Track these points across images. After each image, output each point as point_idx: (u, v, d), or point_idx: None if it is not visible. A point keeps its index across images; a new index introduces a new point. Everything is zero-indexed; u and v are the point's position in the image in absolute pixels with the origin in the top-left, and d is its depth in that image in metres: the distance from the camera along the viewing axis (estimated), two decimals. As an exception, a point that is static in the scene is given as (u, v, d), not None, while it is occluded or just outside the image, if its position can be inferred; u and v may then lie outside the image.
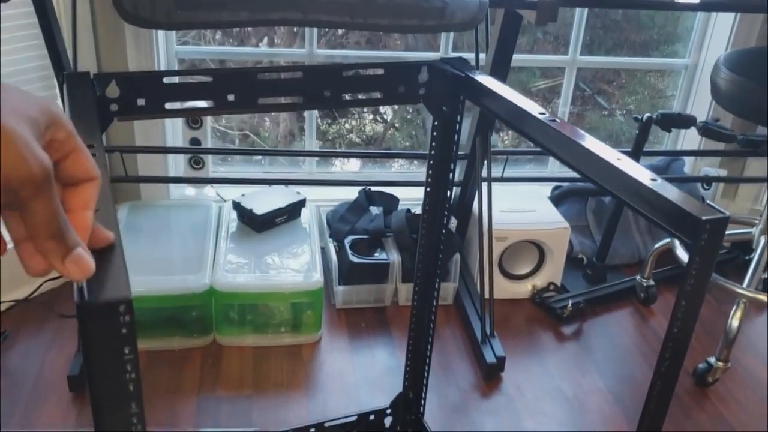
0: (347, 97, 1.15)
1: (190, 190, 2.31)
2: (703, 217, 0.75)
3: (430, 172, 1.33)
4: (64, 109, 0.85)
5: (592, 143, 0.89)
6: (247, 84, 1.09)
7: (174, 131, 2.15)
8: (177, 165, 2.22)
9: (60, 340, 1.84)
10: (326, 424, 1.56)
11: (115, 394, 0.66)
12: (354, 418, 1.58)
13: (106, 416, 0.68)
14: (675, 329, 0.84)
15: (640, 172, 0.83)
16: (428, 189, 1.35)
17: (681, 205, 0.77)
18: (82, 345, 0.61)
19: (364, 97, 1.19)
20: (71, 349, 1.77)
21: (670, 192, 0.79)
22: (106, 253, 0.62)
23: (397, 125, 3.08)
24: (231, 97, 1.10)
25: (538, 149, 0.99)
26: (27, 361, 1.76)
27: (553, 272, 2.15)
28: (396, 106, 3.01)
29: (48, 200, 0.46)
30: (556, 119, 0.95)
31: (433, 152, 1.31)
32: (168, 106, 1.12)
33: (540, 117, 0.96)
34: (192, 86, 1.09)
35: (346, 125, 3.01)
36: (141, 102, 1.11)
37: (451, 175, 1.33)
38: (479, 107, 1.11)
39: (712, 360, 1.83)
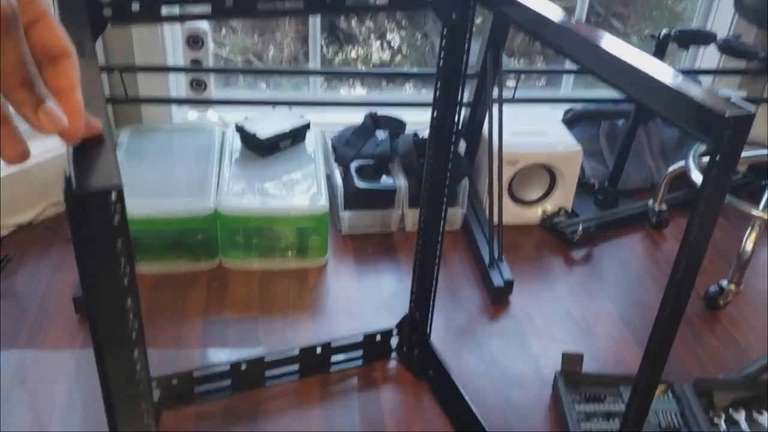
0: (351, 2, 1.10)
1: (192, 114, 2.26)
2: (727, 114, 0.70)
3: (437, 90, 1.28)
4: (54, 12, 0.80)
5: (611, 44, 0.84)
6: (246, -14, 1.04)
7: (175, 52, 2.09)
8: (179, 88, 2.16)
9: (65, 263, 1.82)
10: (333, 344, 1.55)
11: (109, 290, 0.63)
12: (360, 338, 1.58)
13: (102, 313, 0.65)
14: (691, 236, 0.80)
15: (662, 70, 0.78)
16: (435, 109, 1.30)
17: (704, 102, 0.73)
18: (72, 239, 0.58)
19: (368, 2, 1.13)
20: (76, 272, 1.75)
21: (693, 90, 0.75)
22: (93, 143, 0.58)
23: (404, 52, 3.00)
24: (229, 2, 1.05)
25: (551, 68, 0.94)
26: (32, 285, 1.75)
27: (563, 197, 2.10)
28: (403, 32, 2.92)
29: (16, 43, 0.44)
30: (573, 20, 0.90)
31: (441, 67, 1.26)
32: (164, 11, 1.07)
33: (555, 18, 0.91)
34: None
35: (352, 53, 2.94)
36: (135, 6, 1.06)
37: (459, 93, 1.28)
38: (492, 12, 1.05)
39: (724, 283, 1.81)
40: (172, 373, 1.44)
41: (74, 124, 0.51)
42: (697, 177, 1.88)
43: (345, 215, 2.00)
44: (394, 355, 1.62)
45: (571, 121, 2.30)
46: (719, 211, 0.79)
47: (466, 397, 1.44)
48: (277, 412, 1.48)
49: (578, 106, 2.30)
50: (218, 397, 1.49)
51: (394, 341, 1.61)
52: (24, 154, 0.49)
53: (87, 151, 0.57)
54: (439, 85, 1.27)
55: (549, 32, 0.94)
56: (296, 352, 1.53)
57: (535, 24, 0.96)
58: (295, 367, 1.55)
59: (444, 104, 1.29)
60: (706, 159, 2.07)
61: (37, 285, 1.75)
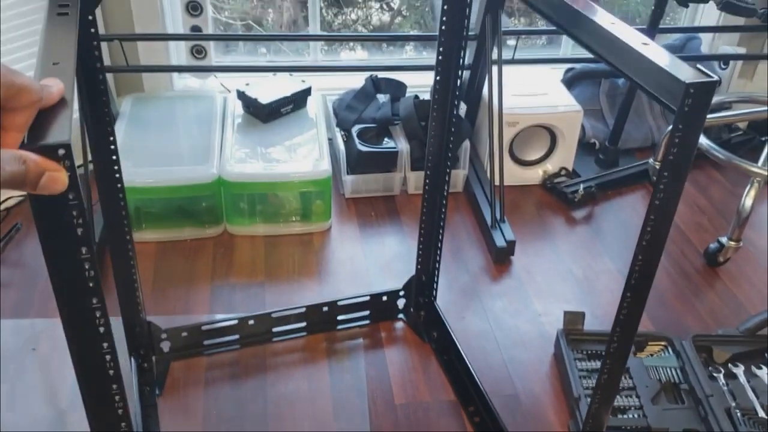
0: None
1: (193, 82, 2.26)
2: (687, 81, 0.71)
3: (439, 54, 1.29)
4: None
5: (589, 9, 0.85)
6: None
7: (174, 19, 2.08)
8: (179, 56, 2.16)
9: (72, 232, 1.84)
10: (339, 303, 1.59)
11: (64, 242, 0.67)
12: (367, 298, 1.60)
13: (59, 266, 0.69)
14: (657, 201, 0.81)
15: (631, 35, 0.79)
16: (438, 73, 1.31)
17: (666, 68, 0.73)
18: (28, 196, 0.62)
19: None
20: (84, 241, 1.77)
21: (660, 56, 0.75)
22: (53, 106, 0.62)
23: (404, 13, 2.97)
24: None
25: (550, 28, 0.95)
26: (40, 253, 1.77)
27: (564, 157, 2.12)
28: (403, -8, 2.90)
29: None
30: None
31: (443, 30, 1.26)
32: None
33: None
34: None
35: (352, 15, 2.91)
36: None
37: (461, 56, 1.29)
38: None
39: (723, 239, 1.83)
40: (182, 326, 1.50)
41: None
42: (697, 135, 1.89)
43: (348, 179, 2.02)
44: (400, 316, 1.65)
45: (571, 80, 2.29)
46: (684, 177, 0.79)
47: (467, 360, 1.47)
48: (285, 366, 1.52)
49: (578, 66, 2.30)
50: (227, 350, 1.54)
51: (400, 302, 1.64)
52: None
53: (46, 112, 0.61)
54: (441, 49, 1.27)
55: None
56: (303, 309, 1.57)
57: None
58: (302, 324, 1.59)
59: (446, 67, 1.30)
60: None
61: (41, 256, 1.77)
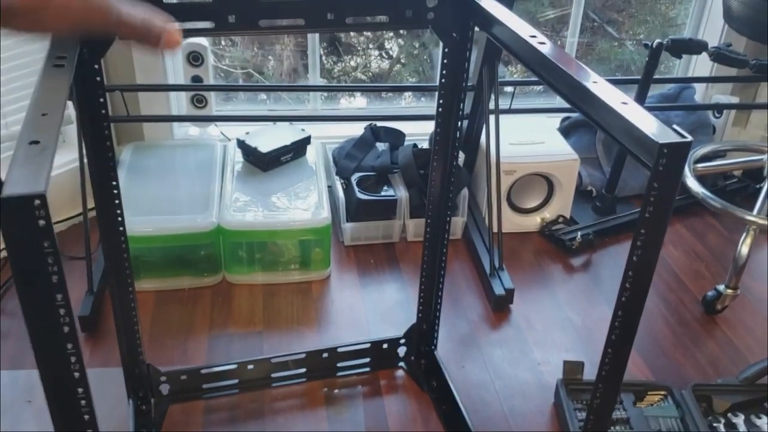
0: (350, 20, 1.12)
1: (193, 130, 2.29)
2: (661, 141, 0.72)
3: (440, 103, 1.31)
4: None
5: (573, 67, 0.87)
6: (248, 5, 1.07)
7: (175, 69, 2.12)
8: (179, 104, 2.19)
9: (69, 282, 1.83)
10: (339, 349, 1.58)
11: (40, 288, 0.68)
12: (368, 345, 1.60)
13: (34, 312, 0.70)
14: (635, 258, 0.81)
15: (612, 95, 0.81)
16: (438, 121, 1.33)
17: (642, 128, 0.74)
18: (4, 240, 0.64)
19: (368, 20, 1.16)
20: (81, 291, 1.77)
21: (638, 116, 0.76)
22: (34, 150, 0.65)
23: (403, 61, 3.03)
24: (232, 18, 1.08)
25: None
26: (39, 302, 1.76)
27: (562, 205, 2.13)
28: (402, 41, 2.95)
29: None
30: (546, 43, 0.93)
31: (443, 82, 1.29)
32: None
33: (530, 40, 0.93)
34: (192, 6, 1.06)
35: (351, 62, 2.96)
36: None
37: (461, 105, 1.31)
38: (487, 35, 1.08)
39: (721, 287, 1.83)
40: (181, 369, 1.50)
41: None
42: (692, 184, 1.91)
43: (347, 227, 2.03)
44: (401, 364, 1.64)
45: (567, 129, 2.32)
46: (662, 234, 0.80)
47: (464, 412, 1.46)
48: (283, 412, 1.52)
49: (574, 115, 2.34)
50: (225, 395, 1.53)
51: (401, 350, 1.63)
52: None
53: (26, 155, 0.64)
54: (441, 101, 1.30)
55: (524, 54, 0.96)
56: (303, 355, 1.57)
57: (515, 44, 0.99)
58: (302, 370, 1.58)
59: (446, 117, 1.32)
60: (701, 166, 2.10)
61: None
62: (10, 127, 1.89)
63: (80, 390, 0.77)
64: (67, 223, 2.03)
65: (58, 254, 0.66)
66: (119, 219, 1.27)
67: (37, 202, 0.61)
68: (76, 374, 0.76)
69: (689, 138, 0.73)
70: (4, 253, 1.89)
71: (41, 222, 0.63)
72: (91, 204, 1.51)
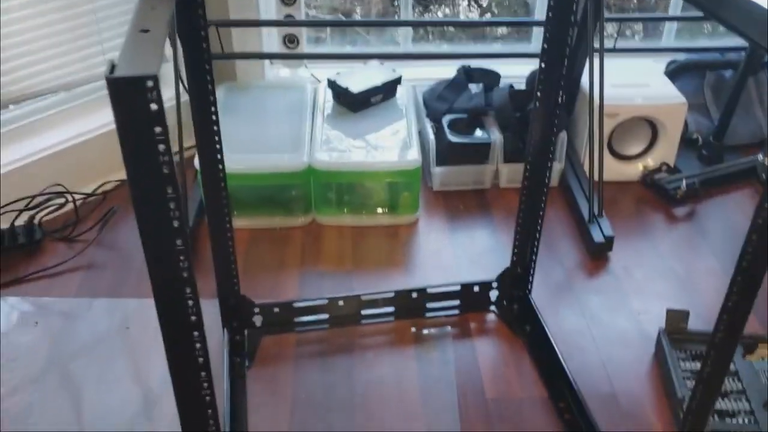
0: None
1: (285, 72, 2.27)
2: None
3: (545, 42, 1.24)
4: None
5: None
6: None
7: (268, 8, 2.10)
8: (271, 44, 2.17)
9: (165, 217, 1.87)
10: (429, 290, 1.55)
11: (150, 175, 0.66)
12: (458, 288, 1.56)
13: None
14: (760, 220, 0.73)
15: None
16: (543, 61, 1.27)
17: None
18: (115, 123, 0.61)
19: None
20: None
21: None
22: (144, 37, 0.63)
23: (494, 9, 2.92)
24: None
25: (655, 16, 0.88)
26: (135, 236, 1.80)
27: (666, 152, 2.01)
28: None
29: None
30: None
31: (549, 16, 1.21)
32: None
33: None
34: None
35: (439, 13, 2.88)
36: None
37: (569, 41, 1.24)
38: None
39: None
40: (274, 302, 1.51)
41: None
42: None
43: (437, 171, 1.98)
44: (492, 308, 1.59)
45: (674, 73, 2.18)
46: None
47: (560, 356, 1.41)
48: (372, 348, 1.51)
49: (682, 57, 2.19)
50: (316, 329, 1.54)
51: (492, 294, 1.59)
52: None
53: (137, 41, 0.62)
54: (547, 35, 1.23)
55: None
56: (392, 294, 1.55)
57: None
58: (390, 309, 1.57)
59: (552, 55, 1.26)
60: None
61: (139, 237, 1.80)
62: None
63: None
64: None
65: (169, 143, 0.64)
66: (219, 156, 1.27)
67: (149, 83, 0.59)
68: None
69: None
70: (102, 189, 1.94)
71: (153, 106, 0.61)
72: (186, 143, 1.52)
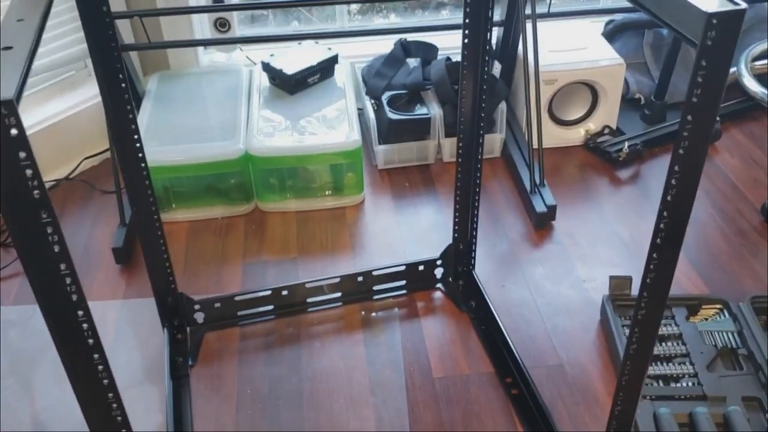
0: None
1: (219, 56, 2.21)
2: (709, 11, 0.61)
3: (466, 11, 1.21)
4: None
5: None
6: None
7: (196, -6, 2.03)
8: (203, 30, 2.11)
9: (103, 215, 1.83)
10: (374, 272, 1.54)
11: (21, 202, 0.63)
12: (403, 268, 1.55)
13: (20, 234, 0.66)
14: (681, 150, 0.71)
15: None
16: (466, 30, 1.23)
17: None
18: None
19: None
20: (114, 223, 1.75)
21: None
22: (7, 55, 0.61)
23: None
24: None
25: None
26: (73, 238, 1.76)
27: (607, 115, 2.01)
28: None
29: None
30: None
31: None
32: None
33: None
34: None
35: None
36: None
37: (489, 11, 1.21)
38: None
39: (782, 194, 1.71)
40: (215, 297, 1.48)
41: None
42: (749, 83, 1.76)
43: (380, 149, 1.95)
44: (438, 285, 1.58)
45: (612, 33, 2.17)
46: (712, 121, 0.70)
47: (505, 331, 1.41)
48: (320, 336, 1.49)
49: (619, 17, 2.17)
50: (261, 321, 1.52)
51: (437, 272, 1.58)
52: None
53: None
54: (467, 10, 1.20)
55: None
56: (337, 279, 1.53)
57: None
58: (337, 294, 1.55)
59: (475, 24, 1.23)
60: (758, 63, 1.94)
61: (77, 238, 1.76)
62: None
63: (80, 313, 0.73)
64: (100, 158, 2.00)
65: (37, 167, 0.61)
66: (140, 155, 1.22)
67: (4, 111, 0.55)
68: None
69: (743, 5, 0.62)
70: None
71: (13, 131, 0.58)
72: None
